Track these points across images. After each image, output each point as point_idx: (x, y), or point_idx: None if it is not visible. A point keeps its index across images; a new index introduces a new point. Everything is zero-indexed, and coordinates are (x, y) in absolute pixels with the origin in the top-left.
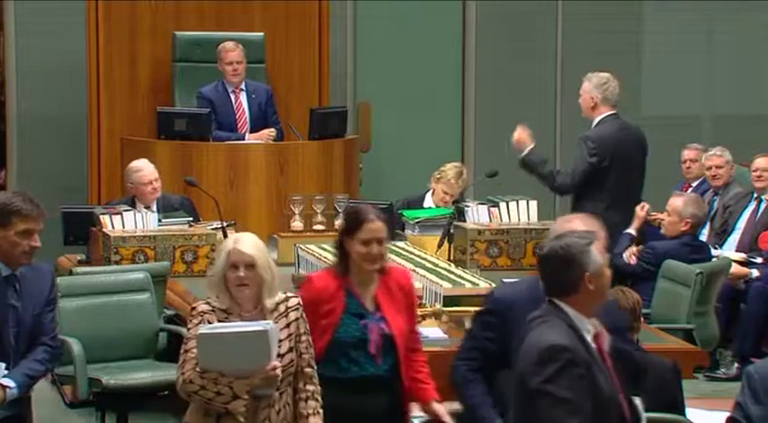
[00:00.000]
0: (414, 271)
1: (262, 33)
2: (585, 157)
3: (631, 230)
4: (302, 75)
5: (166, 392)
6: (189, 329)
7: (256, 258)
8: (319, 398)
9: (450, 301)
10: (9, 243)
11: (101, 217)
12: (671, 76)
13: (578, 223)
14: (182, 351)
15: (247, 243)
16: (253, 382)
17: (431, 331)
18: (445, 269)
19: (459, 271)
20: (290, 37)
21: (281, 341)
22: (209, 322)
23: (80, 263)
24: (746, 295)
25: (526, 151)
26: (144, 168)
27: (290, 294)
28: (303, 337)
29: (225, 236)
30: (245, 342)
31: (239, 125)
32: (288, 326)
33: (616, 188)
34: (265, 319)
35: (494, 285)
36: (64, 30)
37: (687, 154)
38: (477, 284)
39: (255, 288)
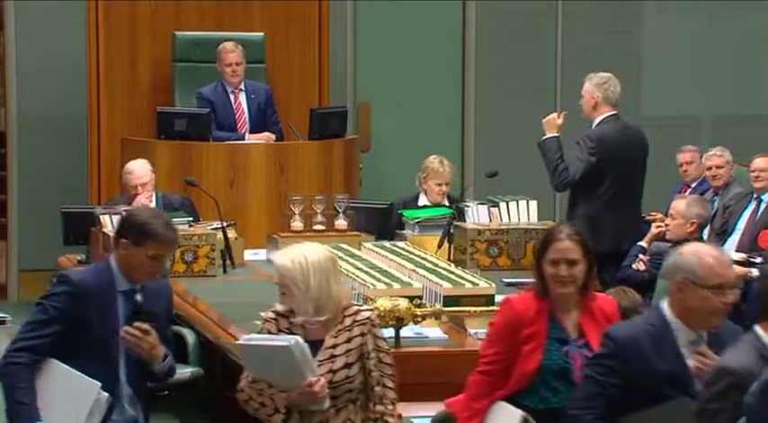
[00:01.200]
0: (414, 271)
1: (262, 33)
2: (585, 156)
3: (643, 243)
4: (302, 75)
5: (166, 392)
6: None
7: (283, 272)
8: (391, 420)
9: (450, 301)
10: (138, 261)
11: (101, 217)
12: (671, 76)
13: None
14: None
15: (282, 255)
16: (290, 396)
17: (431, 331)
18: (445, 269)
19: (459, 271)
20: (290, 37)
21: (335, 356)
22: (269, 331)
23: (80, 263)
24: (746, 295)
25: (550, 135)
26: (134, 172)
27: (363, 307)
28: (373, 354)
29: (225, 236)
30: (273, 355)
31: (239, 125)
32: (349, 341)
33: (614, 189)
34: (326, 330)
35: (494, 285)
36: (64, 30)
37: (682, 157)
38: (477, 284)
39: (293, 299)
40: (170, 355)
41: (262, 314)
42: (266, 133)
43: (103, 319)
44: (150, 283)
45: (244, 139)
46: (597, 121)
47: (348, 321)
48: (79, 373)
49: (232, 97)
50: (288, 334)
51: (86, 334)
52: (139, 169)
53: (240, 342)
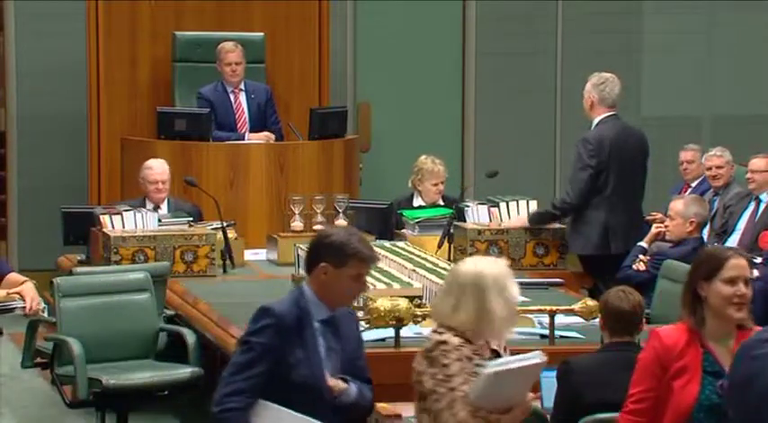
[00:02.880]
0: (414, 271)
1: (262, 33)
2: (585, 160)
3: (643, 243)
4: (302, 75)
5: (166, 392)
6: (446, 365)
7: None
8: None
9: None
10: (340, 284)
11: (101, 217)
12: (671, 76)
13: None
14: (440, 390)
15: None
16: (515, 415)
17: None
18: (445, 269)
19: None
20: (290, 37)
21: None
22: (468, 357)
23: (80, 263)
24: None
25: (529, 217)
26: (154, 167)
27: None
28: None
29: (225, 236)
30: (521, 376)
31: (239, 125)
32: None
33: (616, 190)
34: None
35: None
36: (64, 30)
37: (684, 155)
38: None
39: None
40: (360, 385)
41: (444, 340)
42: (266, 133)
43: (307, 352)
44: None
45: (244, 139)
46: (596, 121)
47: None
48: (294, 413)
49: (232, 97)
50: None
51: (293, 370)
52: (160, 166)
53: (494, 370)
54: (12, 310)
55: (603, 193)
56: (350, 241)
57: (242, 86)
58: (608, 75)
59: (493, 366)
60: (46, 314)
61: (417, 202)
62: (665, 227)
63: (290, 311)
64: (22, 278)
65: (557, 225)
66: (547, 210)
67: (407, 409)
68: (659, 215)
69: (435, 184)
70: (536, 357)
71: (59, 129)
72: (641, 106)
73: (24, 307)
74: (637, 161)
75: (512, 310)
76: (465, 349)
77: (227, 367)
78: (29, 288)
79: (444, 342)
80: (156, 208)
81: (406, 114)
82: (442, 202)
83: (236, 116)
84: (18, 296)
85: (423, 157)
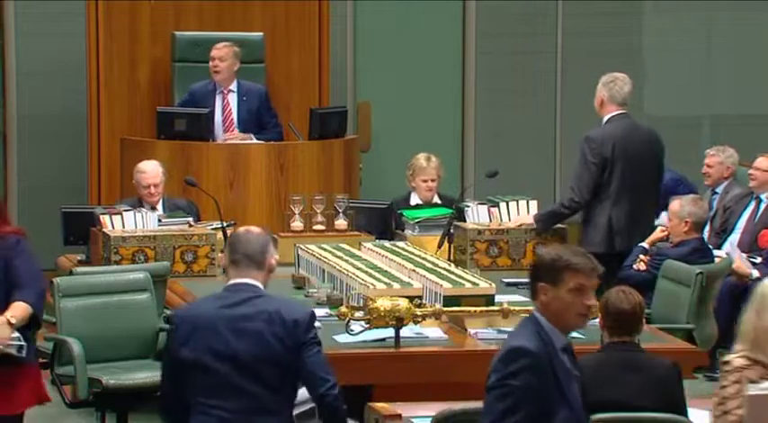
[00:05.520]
0: (414, 271)
1: (262, 33)
2: (588, 158)
3: (644, 244)
4: (302, 75)
5: None
6: (724, 387)
7: None
8: None
9: (450, 301)
10: (562, 302)
11: (101, 217)
12: (671, 76)
13: None
14: (715, 413)
15: None
16: None
17: (431, 331)
18: (445, 269)
19: (459, 271)
20: (290, 37)
21: None
22: (750, 379)
23: (80, 263)
24: (747, 295)
25: (533, 221)
26: (147, 171)
27: None
28: None
29: (225, 236)
30: None
31: (225, 125)
32: None
33: (621, 188)
34: None
35: (494, 285)
36: (64, 30)
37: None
38: (478, 284)
39: None
40: None
41: (728, 360)
42: (240, 134)
43: (562, 389)
44: None
45: (216, 140)
46: (605, 119)
47: None
48: None
49: (219, 97)
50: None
51: (552, 411)
52: (152, 170)
53: (753, 393)
54: None
55: (608, 190)
56: (561, 255)
57: (233, 87)
58: (619, 74)
59: (754, 390)
60: (14, 351)
61: (414, 200)
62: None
63: (539, 347)
64: (12, 311)
65: (557, 225)
66: (554, 209)
67: (408, 409)
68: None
69: (425, 181)
70: None
71: (59, 129)
72: (641, 106)
73: None
74: (645, 159)
75: None
76: (749, 371)
77: (482, 416)
78: None
79: (727, 362)
80: (153, 208)
81: (406, 114)
82: (439, 201)
83: (224, 116)
84: None
85: (420, 154)
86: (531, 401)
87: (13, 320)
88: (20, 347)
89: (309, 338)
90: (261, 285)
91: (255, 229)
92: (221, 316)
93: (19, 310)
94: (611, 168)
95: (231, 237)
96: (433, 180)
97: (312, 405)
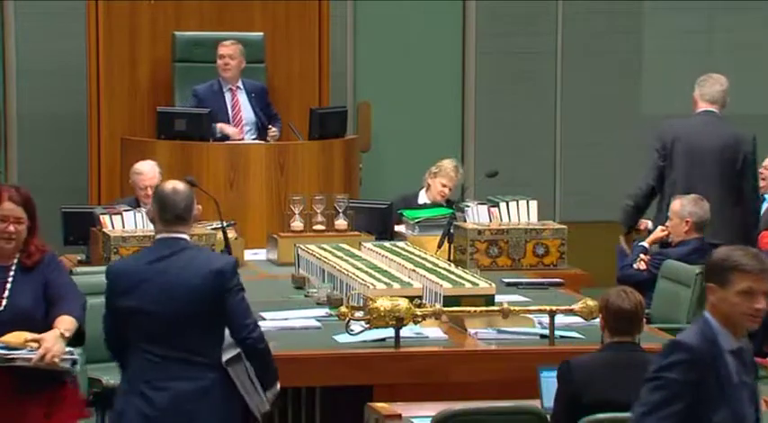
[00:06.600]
0: (414, 271)
1: (262, 33)
2: (652, 147)
3: (645, 243)
4: (302, 75)
5: None
6: None
7: None
8: None
9: (450, 301)
10: (729, 304)
11: (101, 217)
12: (671, 76)
13: None
14: None
15: None
16: None
17: (431, 331)
18: (445, 269)
19: (459, 271)
20: (290, 37)
21: None
22: None
23: (80, 263)
24: None
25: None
26: (144, 172)
27: None
28: None
29: (225, 236)
30: None
31: (234, 123)
32: None
33: (678, 182)
34: None
35: (494, 285)
36: (64, 30)
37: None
38: (477, 284)
39: None
40: None
41: None
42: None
43: (723, 390)
44: None
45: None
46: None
47: None
48: None
49: (229, 95)
50: None
51: (711, 411)
52: (149, 171)
53: None
54: (12, 359)
55: (667, 182)
56: (730, 255)
57: (240, 85)
58: (715, 74)
59: None
60: (69, 366)
61: (422, 199)
62: (667, 228)
63: (700, 344)
64: (62, 324)
65: (557, 225)
66: (622, 205)
67: (408, 409)
68: (649, 222)
69: (444, 185)
70: None
71: (59, 129)
72: (642, 106)
73: (31, 358)
74: (713, 157)
75: None
76: None
77: (635, 407)
78: (50, 337)
79: None
80: None
81: (406, 114)
82: (445, 205)
83: (233, 114)
84: (36, 344)
85: (450, 159)
86: (685, 396)
87: (67, 334)
88: (74, 361)
89: (233, 286)
90: (188, 237)
91: (181, 187)
92: (154, 269)
93: (68, 323)
94: (670, 160)
95: (159, 195)
96: (450, 189)
97: (239, 350)
